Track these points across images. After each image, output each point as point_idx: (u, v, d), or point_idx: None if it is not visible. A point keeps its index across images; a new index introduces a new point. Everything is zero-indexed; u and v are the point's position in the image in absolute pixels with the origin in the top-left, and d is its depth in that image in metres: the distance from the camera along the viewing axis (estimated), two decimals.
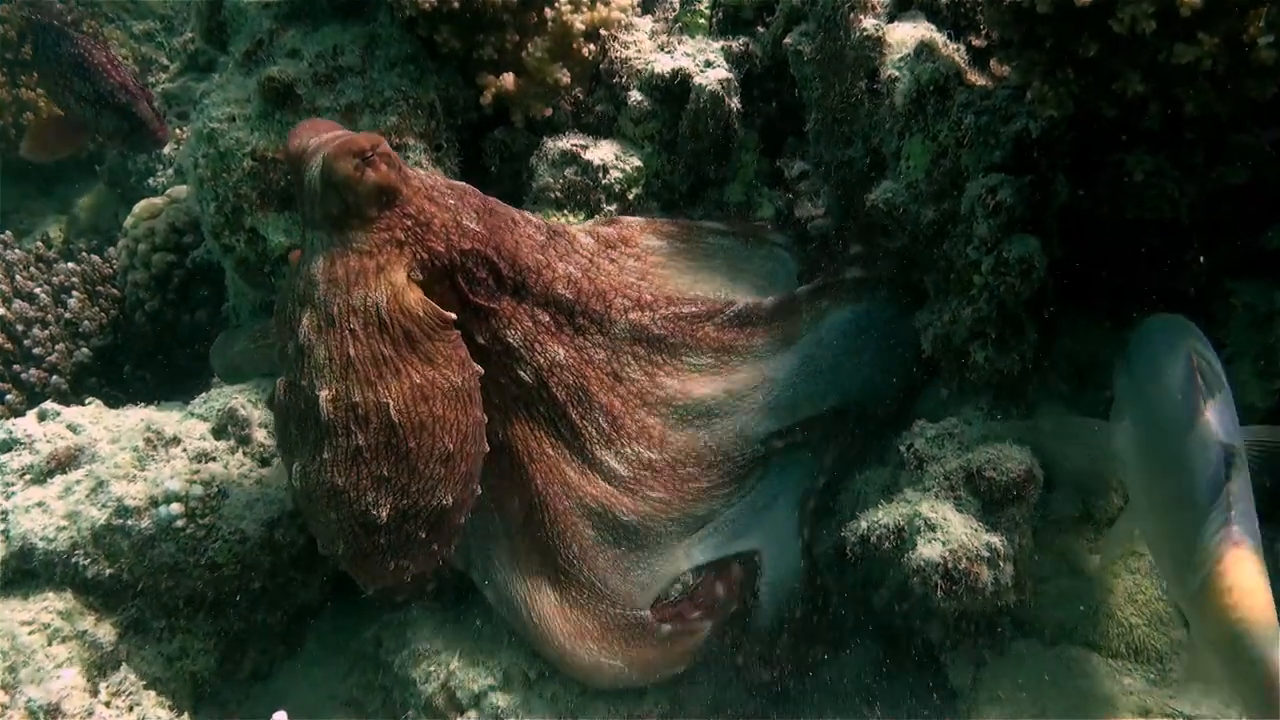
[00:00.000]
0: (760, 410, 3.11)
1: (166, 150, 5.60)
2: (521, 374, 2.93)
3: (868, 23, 3.12)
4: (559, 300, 2.96)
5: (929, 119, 2.97)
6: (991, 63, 3.08)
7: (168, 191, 4.72)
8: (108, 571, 3.03)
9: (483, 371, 2.81)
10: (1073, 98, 2.65)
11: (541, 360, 2.93)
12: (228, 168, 3.37)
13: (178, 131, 5.48)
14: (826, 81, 3.20)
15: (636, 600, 2.99)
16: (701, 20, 3.59)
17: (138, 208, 4.51)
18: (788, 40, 3.23)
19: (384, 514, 2.65)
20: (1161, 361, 2.48)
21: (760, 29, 3.55)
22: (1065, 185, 2.88)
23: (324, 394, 2.61)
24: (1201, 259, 2.93)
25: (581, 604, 2.98)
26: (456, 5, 3.26)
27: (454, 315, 2.75)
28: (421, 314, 2.69)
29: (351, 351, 2.62)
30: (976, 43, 3.15)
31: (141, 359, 4.38)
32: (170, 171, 5.67)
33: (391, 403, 2.62)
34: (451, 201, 2.83)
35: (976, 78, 3.05)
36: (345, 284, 2.65)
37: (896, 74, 3.06)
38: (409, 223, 2.72)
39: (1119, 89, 2.57)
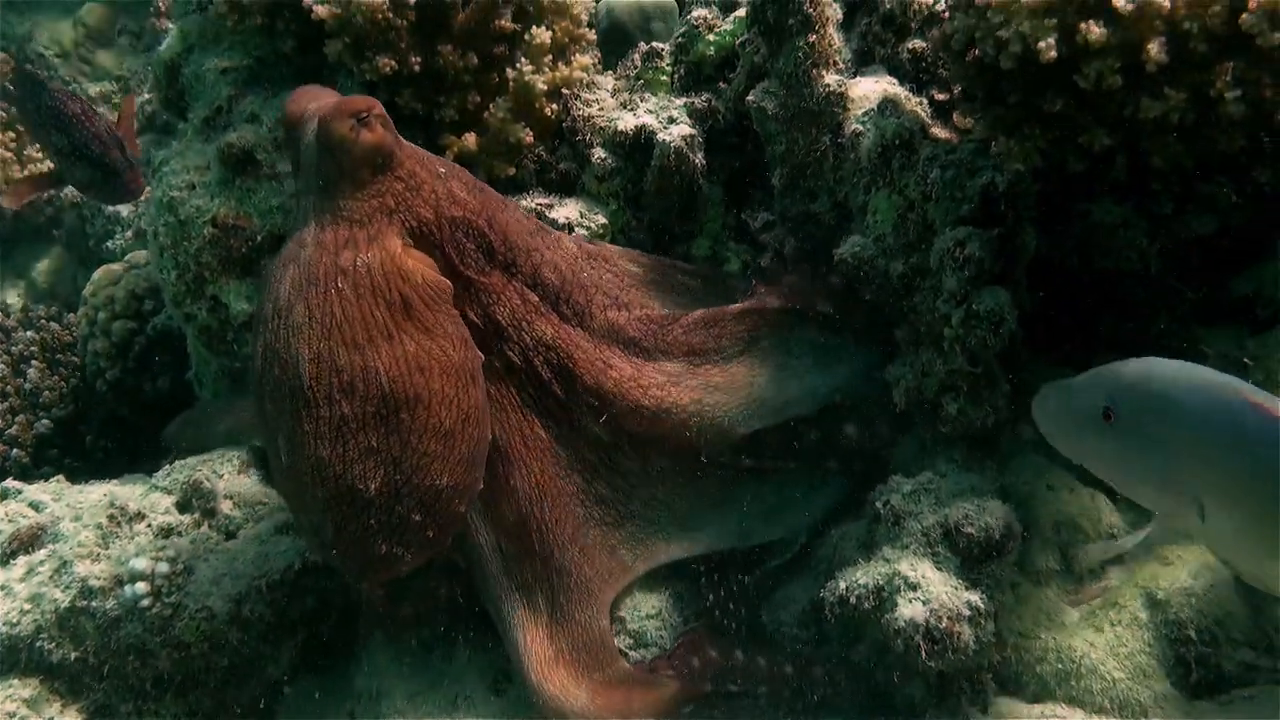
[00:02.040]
0: (742, 410, 3.06)
1: (125, 212, 5.55)
2: (510, 354, 2.84)
3: (830, 79, 3.12)
4: (546, 284, 2.87)
5: (895, 173, 2.97)
6: (955, 116, 3.08)
7: (127, 257, 4.67)
8: (73, 655, 2.94)
9: (483, 358, 2.69)
10: (1039, 152, 2.66)
11: (529, 339, 2.84)
12: (188, 235, 3.33)
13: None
14: (791, 137, 3.19)
15: (609, 582, 2.96)
16: (663, 77, 3.58)
17: (97, 275, 4.46)
18: (751, 97, 3.23)
19: (373, 486, 2.47)
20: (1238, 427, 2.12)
21: (722, 84, 3.54)
22: (1033, 237, 2.88)
23: (304, 354, 2.44)
24: (1171, 307, 2.94)
25: (562, 609, 2.88)
26: (417, 69, 3.24)
27: (449, 284, 2.64)
28: (420, 280, 2.56)
29: (337, 310, 2.46)
30: (939, 97, 3.16)
31: (103, 428, 4.32)
32: (129, 234, 5.62)
33: (382, 368, 2.46)
34: (442, 170, 2.75)
35: (941, 132, 3.06)
36: (334, 248, 2.54)
37: (861, 129, 3.06)
38: (400, 186, 2.63)
39: (1086, 143, 2.58)
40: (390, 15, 3.13)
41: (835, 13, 3.22)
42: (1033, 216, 2.88)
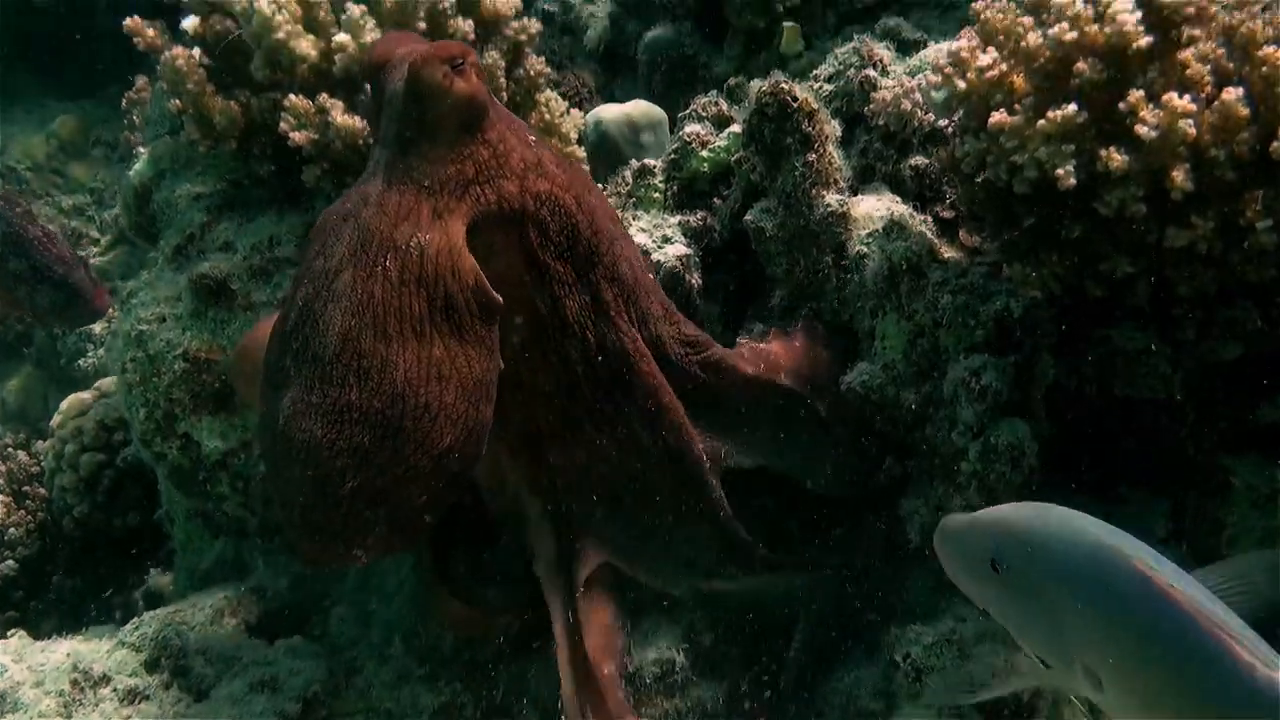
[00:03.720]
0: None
1: (97, 329, 5.40)
2: (570, 351, 2.59)
3: (831, 198, 2.99)
4: (622, 280, 2.62)
5: (903, 298, 2.83)
6: (961, 234, 2.97)
7: (97, 384, 4.49)
8: None
9: (502, 367, 2.45)
10: (1056, 279, 2.54)
11: (593, 339, 2.59)
12: (158, 371, 3.16)
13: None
14: (791, 258, 3.06)
15: None
16: (656, 194, 3.45)
17: (65, 404, 4.29)
18: (749, 217, 3.10)
19: (349, 485, 2.26)
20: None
21: (717, 200, 3.41)
22: (1050, 364, 2.74)
23: (337, 324, 2.26)
24: (1195, 435, 2.80)
25: None
26: None
27: (501, 302, 2.40)
28: (473, 284, 2.34)
29: (377, 291, 2.27)
30: (944, 214, 3.03)
31: (70, 566, 4.13)
32: (100, 351, 5.47)
33: (401, 367, 2.27)
34: (531, 137, 2.52)
35: (950, 252, 2.94)
36: (394, 215, 2.33)
37: (865, 250, 2.93)
38: (486, 154, 2.41)
39: (1107, 270, 2.46)
40: (371, 140, 3.00)
41: (834, 130, 3.11)
42: (1049, 342, 2.75)
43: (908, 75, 3.21)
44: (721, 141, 3.38)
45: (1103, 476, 2.90)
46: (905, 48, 3.75)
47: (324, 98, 2.98)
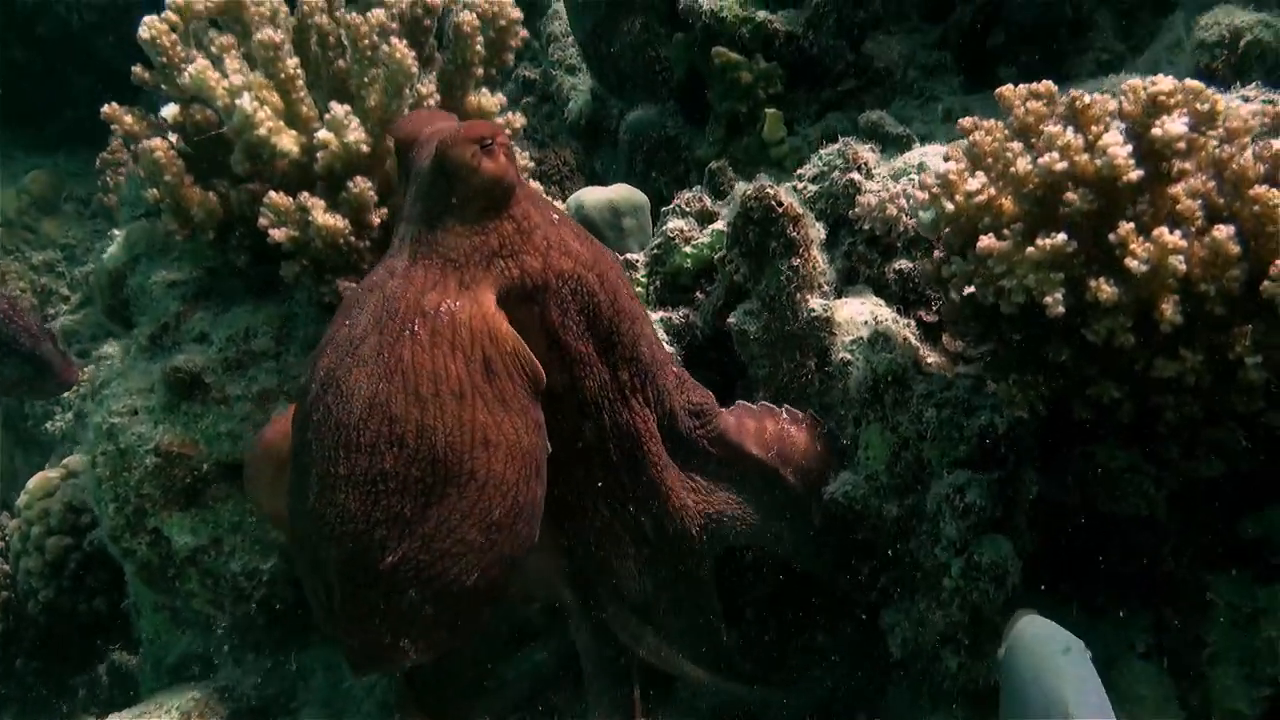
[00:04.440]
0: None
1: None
2: (586, 431, 2.53)
3: (815, 302, 2.98)
4: (640, 360, 2.56)
5: (887, 409, 2.81)
6: (944, 338, 2.96)
7: (64, 462, 4.43)
8: None
9: (550, 450, 2.37)
10: (1042, 400, 2.52)
11: (608, 420, 2.54)
12: (128, 465, 3.11)
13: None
14: (774, 360, 3.04)
15: None
16: (639, 289, 3.43)
17: (32, 483, 4.22)
18: (731, 320, 3.08)
19: (389, 559, 2.12)
20: None
21: (699, 295, 3.39)
22: (1034, 480, 2.73)
23: (362, 388, 2.15)
24: (1176, 550, 2.79)
25: None
26: None
27: (543, 373, 2.33)
28: (511, 348, 2.27)
29: (406, 354, 2.17)
30: (927, 318, 3.03)
31: (34, 651, 4.06)
32: (69, 415, 5.39)
33: (442, 430, 2.15)
34: (555, 215, 2.48)
35: (932, 356, 2.93)
36: (421, 285, 2.26)
37: (849, 357, 2.92)
38: (510, 228, 2.36)
39: (1093, 395, 2.44)
40: (352, 238, 2.97)
41: (818, 233, 3.10)
42: (1033, 458, 2.74)
43: (892, 178, 3.21)
44: (705, 238, 3.37)
45: (1085, 588, 2.89)
46: (889, 143, 3.77)
47: (305, 196, 2.95)
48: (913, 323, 3.04)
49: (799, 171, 3.40)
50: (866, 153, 3.27)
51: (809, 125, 4.31)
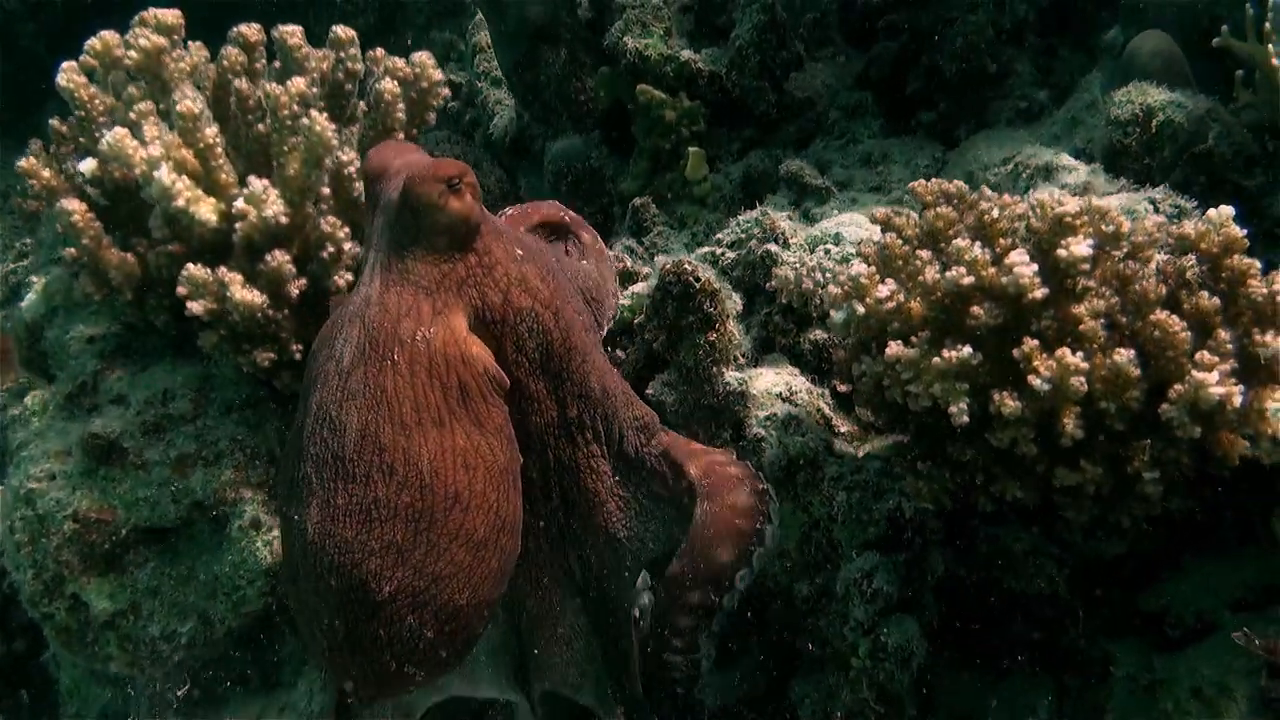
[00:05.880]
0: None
1: None
2: (530, 467, 2.58)
3: (731, 376, 3.03)
4: (589, 396, 2.61)
5: (799, 489, 2.88)
6: (857, 408, 3.01)
7: None
8: None
9: (521, 460, 2.47)
10: (948, 494, 2.59)
11: (551, 458, 2.60)
12: (46, 531, 3.09)
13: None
14: (691, 431, 3.07)
15: None
16: None
17: None
18: (650, 391, 3.11)
19: (387, 588, 2.22)
20: None
21: (620, 353, 3.42)
22: (940, 560, 2.80)
23: (354, 422, 2.25)
24: (1078, 621, 2.87)
25: None
26: (298, 356, 3.08)
27: (508, 380, 2.43)
28: (483, 369, 2.37)
29: (389, 384, 2.27)
30: (842, 388, 3.08)
31: None
32: None
33: (427, 456, 2.26)
34: (519, 252, 2.54)
35: (845, 425, 2.99)
36: (395, 313, 2.34)
37: (763, 434, 2.96)
38: (474, 260, 2.44)
39: (998, 492, 2.51)
40: (270, 311, 2.97)
41: (735, 304, 3.15)
42: (939, 539, 2.81)
43: (808, 247, 3.25)
44: (625, 300, 3.39)
45: (990, 653, 2.97)
46: (808, 194, 3.82)
47: (223, 271, 2.93)
48: (827, 393, 3.10)
49: (717, 236, 3.44)
50: (783, 221, 3.32)
51: (731, 163, 4.35)
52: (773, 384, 3.05)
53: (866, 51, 4.57)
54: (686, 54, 4.25)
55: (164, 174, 2.90)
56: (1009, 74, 4.23)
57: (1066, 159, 3.44)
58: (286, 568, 2.51)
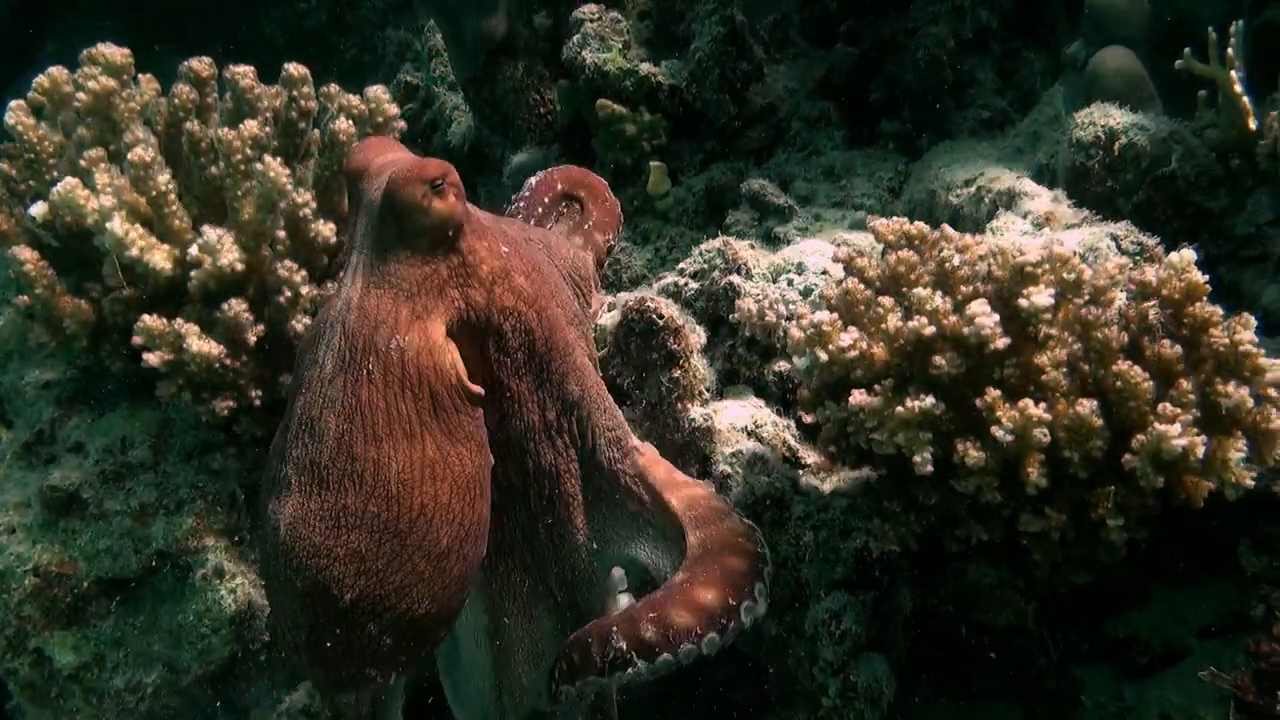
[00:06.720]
0: None
1: None
2: (510, 471, 2.58)
3: (696, 412, 3.01)
4: (568, 396, 2.58)
5: (766, 528, 2.85)
6: (820, 441, 3.00)
7: None
8: None
9: (493, 461, 2.46)
10: (914, 537, 2.58)
11: (531, 464, 2.58)
12: (7, 588, 3.04)
13: None
14: None
15: None
16: None
17: None
18: None
19: (348, 596, 2.22)
20: None
21: None
22: (908, 597, 2.81)
23: (331, 428, 2.26)
24: (1048, 650, 2.89)
25: None
26: (257, 403, 3.04)
27: (482, 392, 2.40)
28: (455, 380, 2.34)
29: (363, 394, 2.26)
30: (807, 419, 3.05)
31: None
32: None
33: (395, 468, 2.25)
34: (505, 249, 2.49)
35: (811, 456, 2.98)
36: (373, 319, 2.31)
37: (729, 470, 2.94)
38: (456, 260, 2.39)
39: (963, 535, 2.51)
40: (228, 360, 2.93)
41: (699, 339, 3.14)
42: (907, 575, 2.81)
43: (770, 277, 3.23)
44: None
45: (961, 683, 2.98)
46: (770, 213, 3.79)
47: (179, 322, 2.88)
48: (792, 424, 3.08)
49: (680, 266, 3.41)
50: (745, 251, 3.29)
51: (693, 175, 4.32)
52: (738, 418, 3.04)
53: (828, 51, 4.55)
54: (646, 67, 4.21)
55: (117, 225, 2.85)
56: (971, 83, 4.21)
57: (1029, 184, 3.42)
58: (261, 561, 2.58)
